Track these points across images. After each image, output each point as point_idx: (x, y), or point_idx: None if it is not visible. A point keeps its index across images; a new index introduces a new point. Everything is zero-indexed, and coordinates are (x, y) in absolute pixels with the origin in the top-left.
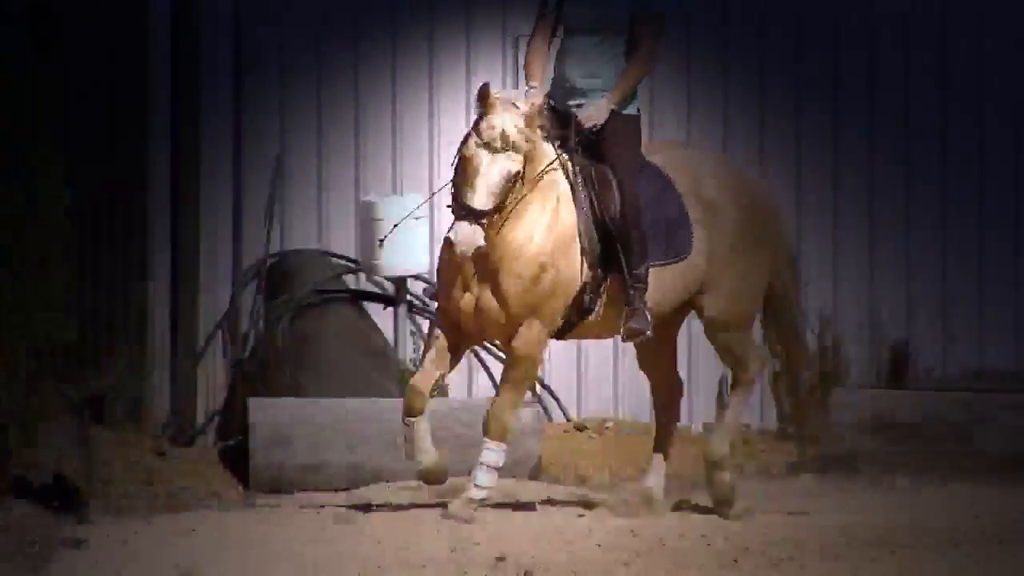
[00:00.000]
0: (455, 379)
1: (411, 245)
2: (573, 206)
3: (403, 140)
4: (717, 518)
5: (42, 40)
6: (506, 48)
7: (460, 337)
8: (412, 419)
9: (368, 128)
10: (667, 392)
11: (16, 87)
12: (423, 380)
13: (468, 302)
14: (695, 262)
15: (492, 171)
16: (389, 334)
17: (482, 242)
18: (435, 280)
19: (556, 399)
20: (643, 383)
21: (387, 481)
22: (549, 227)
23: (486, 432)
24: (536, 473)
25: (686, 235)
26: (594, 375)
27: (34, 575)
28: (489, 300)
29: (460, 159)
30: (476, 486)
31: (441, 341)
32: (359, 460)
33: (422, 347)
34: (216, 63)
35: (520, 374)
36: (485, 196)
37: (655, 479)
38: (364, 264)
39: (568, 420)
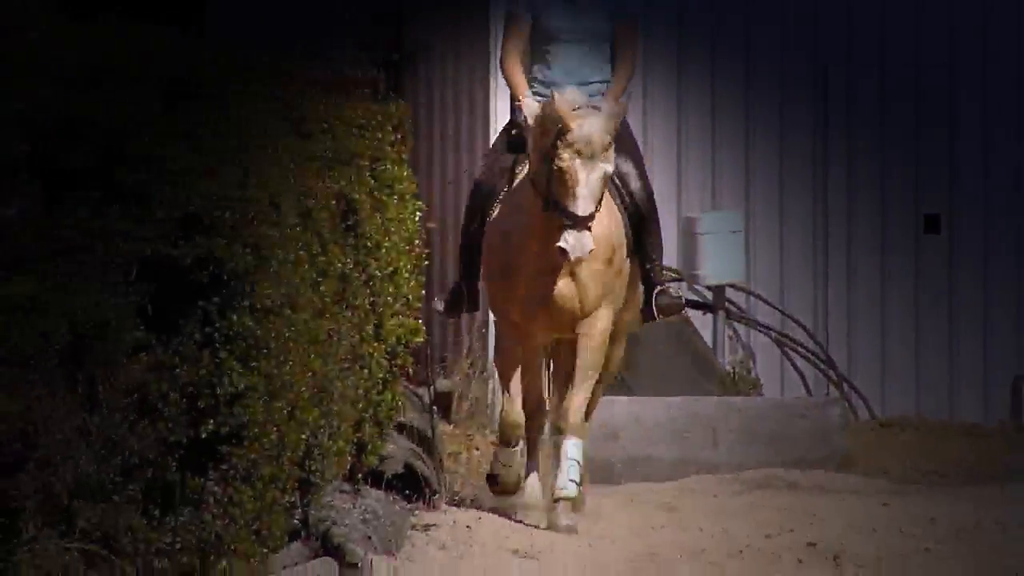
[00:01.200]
0: (768, 378)
1: (729, 256)
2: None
3: (721, 157)
4: None
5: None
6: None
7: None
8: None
9: (691, 149)
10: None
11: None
12: (517, 412)
13: (553, 292)
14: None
15: (591, 179)
16: (708, 338)
17: (592, 246)
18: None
19: (862, 397)
20: (944, 380)
21: (708, 473)
22: (608, 209)
23: (569, 431)
24: (843, 467)
25: None
26: (898, 373)
27: (389, 556)
28: (566, 286)
29: (556, 170)
30: (572, 480)
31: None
32: (682, 454)
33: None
34: None
35: (596, 362)
36: (588, 203)
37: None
38: (685, 274)
39: (873, 417)
